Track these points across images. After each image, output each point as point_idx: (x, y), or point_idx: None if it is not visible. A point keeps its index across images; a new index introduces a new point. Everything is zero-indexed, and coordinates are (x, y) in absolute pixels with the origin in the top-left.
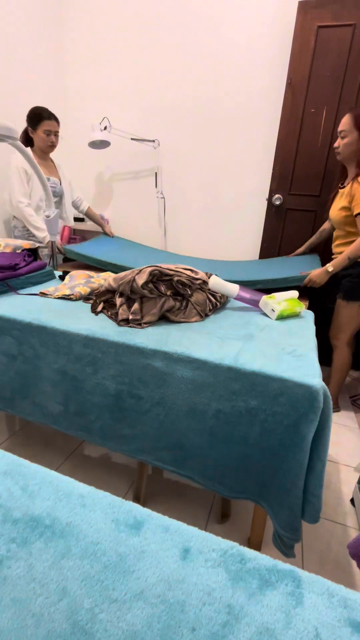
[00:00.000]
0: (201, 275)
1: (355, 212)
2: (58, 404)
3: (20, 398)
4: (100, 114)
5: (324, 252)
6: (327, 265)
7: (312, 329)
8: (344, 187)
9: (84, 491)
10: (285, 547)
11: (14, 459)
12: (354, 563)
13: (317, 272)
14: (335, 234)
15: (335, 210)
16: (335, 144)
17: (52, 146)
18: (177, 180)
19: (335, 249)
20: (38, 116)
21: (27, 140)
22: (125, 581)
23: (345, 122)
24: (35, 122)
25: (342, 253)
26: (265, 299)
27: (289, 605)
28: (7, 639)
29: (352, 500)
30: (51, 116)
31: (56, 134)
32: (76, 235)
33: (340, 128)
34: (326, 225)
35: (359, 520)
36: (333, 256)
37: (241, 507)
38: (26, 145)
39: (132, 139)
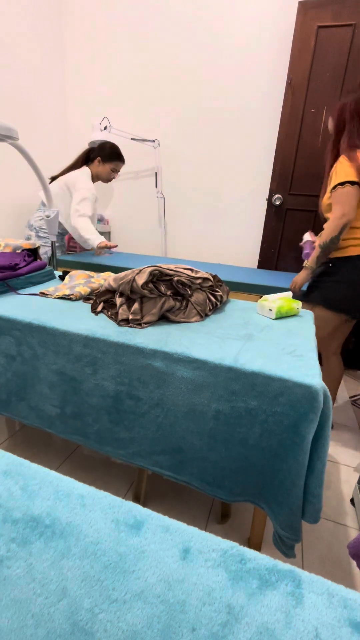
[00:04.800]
0: (201, 274)
1: (331, 187)
2: (54, 406)
3: (17, 400)
4: (100, 114)
5: None
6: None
7: (311, 329)
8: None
9: (84, 491)
10: (286, 547)
11: (14, 459)
12: (354, 563)
13: (297, 275)
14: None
15: (323, 202)
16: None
17: (109, 180)
18: (177, 180)
19: None
20: (118, 156)
21: (87, 158)
22: (125, 581)
23: (327, 118)
24: (111, 158)
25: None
26: (260, 302)
27: (289, 605)
28: (7, 639)
29: (352, 500)
30: (123, 160)
31: (117, 172)
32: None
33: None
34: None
35: (359, 520)
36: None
37: (241, 507)
38: (84, 162)
39: (132, 139)
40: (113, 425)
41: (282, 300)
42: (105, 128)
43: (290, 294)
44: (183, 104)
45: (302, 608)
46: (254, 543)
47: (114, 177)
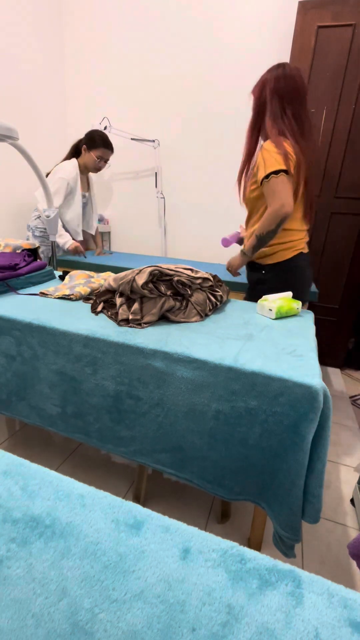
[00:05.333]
0: (201, 274)
1: (260, 179)
2: (55, 406)
3: (17, 400)
4: (100, 114)
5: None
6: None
7: (312, 328)
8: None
9: (84, 491)
10: (286, 547)
11: (14, 459)
12: (354, 563)
13: (233, 257)
14: (248, 218)
15: (247, 190)
16: None
17: (98, 170)
18: (177, 180)
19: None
20: (103, 143)
21: (76, 150)
22: (125, 581)
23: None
24: (96, 145)
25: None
26: (260, 302)
27: (289, 605)
28: (7, 639)
29: (352, 500)
30: (110, 146)
31: (106, 161)
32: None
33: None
34: None
35: (359, 520)
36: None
37: (241, 507)
38: (73, 155)
39: (132, 139)
40: (114, 424)
41: (282, 300)
42: (105, 128)
43: (290, 294)
44: (183, 104)
45: (302, 608)
46: (254, 543)
47: (102, 167)
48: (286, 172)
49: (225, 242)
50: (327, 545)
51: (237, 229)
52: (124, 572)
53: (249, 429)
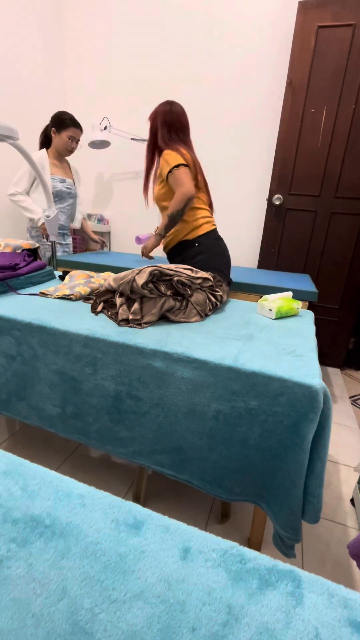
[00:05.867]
0: (201, 274)
1: (164, 176)
2: (55, 406)
3: (17, 400)
4: (100, 114)
5: (310, 268)
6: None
7: (311, 328)
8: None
9: (84, 491)
10: (286, 547)
11: (14, 459)
12: (354, 563)
13: (149, 240)
14: (163, 214)
15: (155, 190)
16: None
17: (71, 151)
18: None
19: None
20: (67, 121)
21: (46, 138)
22: (125, 581)
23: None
24: (63, 125)
25: (174, 231)
26: (260, 302)
27: (289, 605)
28: (7, 639)
29: (352, 500)
30: (78, 125)
31: (77, 141)
32: (76, 235)
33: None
34: None
35: (359, 520)
36: (168, 238)
37: (241, 507)
38: (44, 144)
39: (132, 139)
40: (114, 425)
41: (282, 300)
42: (105, 128)
43: (290, 294)
44: (183, 104)
45: (302, 608)
46: (254, 543)
47: (74, 147)
48: (185, 165)
49: (138, 241)
50: (327, 545)
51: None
52: (124, 572)
53: (249, 429)
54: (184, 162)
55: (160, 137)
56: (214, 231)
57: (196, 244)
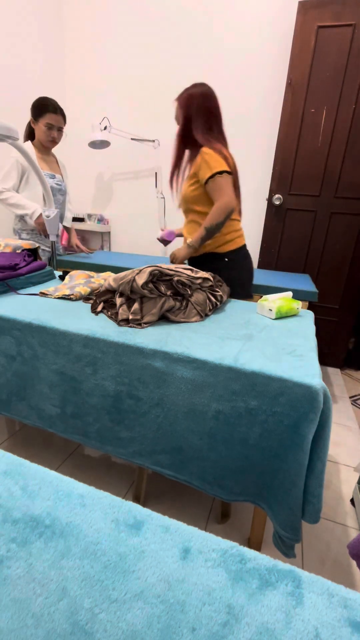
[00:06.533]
0: (201, 274)
1: (204, 180)
2: (55, 406)
3: (17, 400)
4: (100, 114)
5: (309, 268)
6: (187, 240)
7: (312, 328)
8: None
9: (84, 491)
10: (286, 547)
11: (14, 459)
12: (354, 563)
13: (178, 249)
14: (186, 220)
15: (185, 190)
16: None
17: (53, 142)
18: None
19: (190, 236)
20: (42, 107)
21: (30, 132)
22: (125, 581)
23: (176, 108)
24: (39, 113)
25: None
26: (260, 302)
27: (289, 605)
28: (7, 639)
29: (352, 500)
30: (57, 110)
31: (60, 129)
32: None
33: (175, 115)
34: None
35: (359, 520)
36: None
37: (241, 507)
38: (29, 138)
39: (132, 139)
40: (113, 425)
41: (282, 300)
42: (105, 128)
43: (290, 294)
44: None
45: (302, 608)
46: (254, 543)
47: (56, 136)
48: (228, 172)
49: (164, 242)
50: (327, 545)
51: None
52: (124, 572)
53: (249, 429)
54: (227, 168)
55: (198, 128)
56: (244, 247)
57: (225, 259)
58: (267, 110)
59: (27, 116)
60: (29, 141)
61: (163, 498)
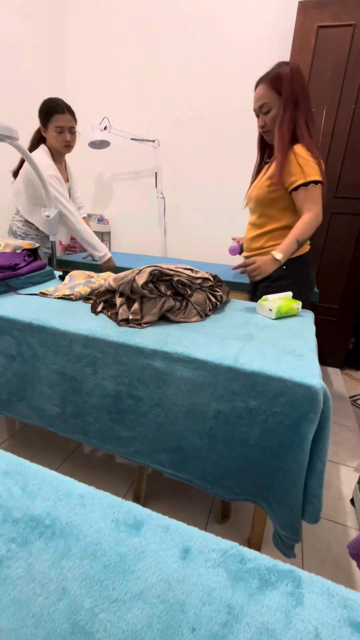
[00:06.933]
0: (201, 274)
1: (293, 186)
2: (55, 406)
3: (17, 400)
4: (100, 114)
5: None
6: (274, 252)
7: (312, 328)
8: (268, 163)
9: (84, 491)
10: (286, 547)
11: (14, 459)
12: (354, 563)
13: (263, 259)
14: (254, 221)
15: (260, 189)
16: (260, 123)
17: (68, 146)
18: (177, 180)
19: (253, 243)
20: (49, 110)
21: (41, 139)
22: (125, 581)
23: (263, 93)
24: (46, 117)
25: (268, 246)
26: (260, 302)
27: (289, 605)
28: (7, 639)
29: (352, 500)
30: (65, 109)
31: (71, 130)
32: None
33: (259, 103)
34: None
35: (359, 520)
36: (255, 252)
37: (241, 507)
38: (36, 145)
39: (132, 139)
40: (114, 425)
41: (282, 300)
42: (105, 128)
43: (290, 293)
44: (183, 104)
45: (302, 608)
46: (254, 543)
47: (70, 139)
48: (322, 183)
49: (234, 253)
50: (327, 545)
51: (230, 234)
52: (124, 572)
53: (249, 429)
54: (321, 177)
55: (301, 119)
56: (308, 253)
57: (284, 267)
58: None
59: (26, 116)
60: (43, 145)
61: (163, 498)
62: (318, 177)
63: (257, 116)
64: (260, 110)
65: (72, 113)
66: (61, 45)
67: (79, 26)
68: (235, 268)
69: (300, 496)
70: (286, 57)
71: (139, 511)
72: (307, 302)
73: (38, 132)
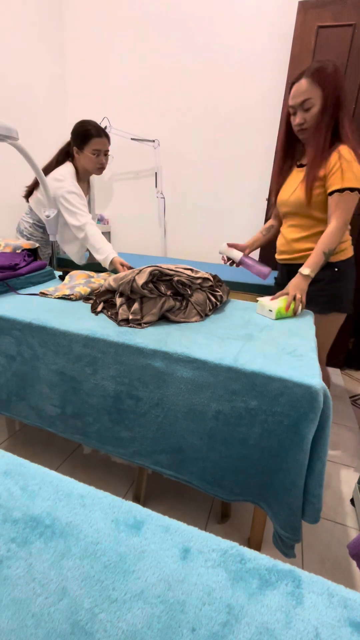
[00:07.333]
0: (201, 274)
1: (331, 189)
2: (55, 406)
3: (17, 400)
4: (100, 114)
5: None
6: (301, 269)
7: (312, 329)
8: (303, 166)
9: (84, 491)
10: (286, 547)
11: (14, 459)
12: (354, 563)
13: (295, 284)
14: (291, 222)
15: (303, 192)
16: (298, 121)
17: (102, 168)
18: (177, 180)
19: (297, 245)
20: (86, 134)
21: (67, 155)
22: (125, 581)
23: (307, 87)
24: (83, 140)
25: (310, 249)
26: (260, 302)
27: (289, 605)
28: (7, 639)
29: (352, 500)
30: (101, 132)
31: (106, 153)
32: None
33: (300, 99)
34: (274, 222)
35: (359, 520)
36: (303, 253)
37: (241, 507)
38: (64, 161)
39: (132, 139)
40: (113, 425)
41: (282, 301)
42: (105, 128)
43: None
44: (183, 104)
45: (302, 608)
46: (254, 543)
47: (104, 162)
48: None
49: (264, 276)
50: (327, 545)
51: (226, 249)
52: (124, 572)
53: (248, 429)
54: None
55: (346, 118)
56: (353, 257)
57: (335, 269)
58: (267, 110)
59: (26, 116)
60: (69, 162)
61: (163, 498)
62: (355, 185)
63: (294, 113)
64: (301, 107)
65: (107, 137)
66: (61, 45)
67: (79, 26)
68: (287, 310)
69: (300, 496)
70: (286, 57)
71: (139, 511)
72: (349, 303)
73: (67, 147)
